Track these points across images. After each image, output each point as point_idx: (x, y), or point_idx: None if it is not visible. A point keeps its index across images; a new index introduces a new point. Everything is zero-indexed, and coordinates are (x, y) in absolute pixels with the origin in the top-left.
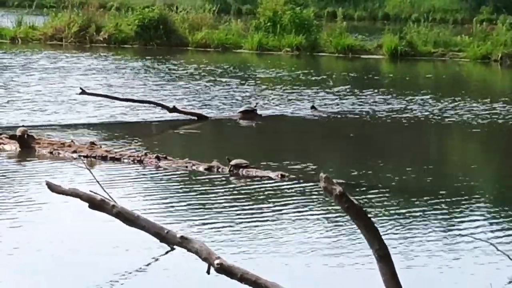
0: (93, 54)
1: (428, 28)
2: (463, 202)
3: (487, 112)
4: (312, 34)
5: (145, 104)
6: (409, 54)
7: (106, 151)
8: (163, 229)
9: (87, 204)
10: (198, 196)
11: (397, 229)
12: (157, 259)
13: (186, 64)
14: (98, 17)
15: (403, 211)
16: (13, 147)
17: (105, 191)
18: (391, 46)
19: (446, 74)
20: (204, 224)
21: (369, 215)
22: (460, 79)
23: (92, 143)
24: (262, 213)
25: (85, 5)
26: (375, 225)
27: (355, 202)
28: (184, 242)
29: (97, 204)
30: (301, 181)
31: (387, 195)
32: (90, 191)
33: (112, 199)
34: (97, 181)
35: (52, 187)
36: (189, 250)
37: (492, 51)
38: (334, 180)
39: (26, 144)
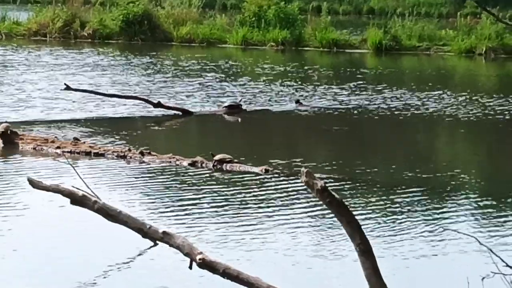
0: (77, 50)
1: (412, 22)
2: (448, 196)
3: (472, 105)
4: (296, 29)
5: (129, 100)
6: (393, 48)
7: (90, 146)
8: (145, 224)
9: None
10: (181, 191)
11: (380, 223)
12: (139, 255)
13: (170, 59)
14: (83, 13)
15: (387, 205)
16: None
17: (87, 186)
18: (375, 40)
19: (430, 68)
20: (187, 219)
21: (351, 210)
22: (444, 73)
23: (76, 139)
24: (246, 207)
25: (69, 0)
26: (357, 219)
27: (337, 196)
28: (166, 238)
29: (78, 200)
30: (286, 175)
31: (371, 189)
32: (73, 186)
33: (95, 194)
34: (80, 177)
35: (34, 183)
36: (171, 245)
37: (476, 45)
38: (318, 175)
39: (9, 140)
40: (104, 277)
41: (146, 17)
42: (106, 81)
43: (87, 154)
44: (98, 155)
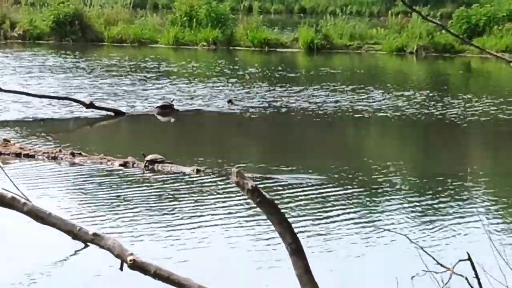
0: (7, 50)
1: (344, 21)
2: (379, 194)
3: (403, 103)
4: (228, 28)
5: (61, 100)
6: (325, 47)
7: (20, 148)
8: (75, 226)
9: None
10: (112, 192)
11: (312, 223)
12: (69, 257)
13: (102, 60)
14: (13, 13)
15: (319, 204)
16: None
17: (17, 188)
18: (307, 39)
19: (362, 66)
20: (119, 220)
21: (282, 209)
22: (376, 72)
23: (6, 140)
24: (177, 208)
25: None
26: (288, 219)
27: (267, 196)
28: (96, 239)
29: (7, 202)
30: (217, 175)
31: (302, 189)
32: (2, 188)
33: (24, 196)
34: (10, 178)
35: None
36: (101, 247)
37: (407, 43)
38: (249, 175)
39: None
40: (32, 281)
41: (77, 17)
42: (36, 82)
43: (17, 155)
44: (28, 156)
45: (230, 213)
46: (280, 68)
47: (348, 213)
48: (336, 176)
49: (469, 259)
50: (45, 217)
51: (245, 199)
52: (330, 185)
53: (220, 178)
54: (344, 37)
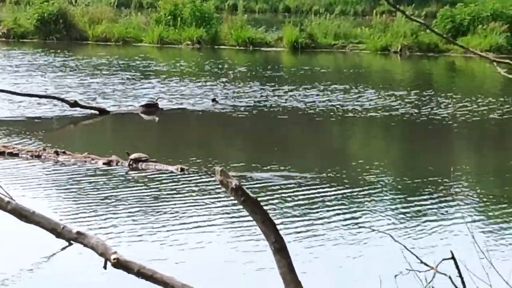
0: None
1: (328, 20)
2: (363, 193)
3: (387, 103)
4: (213, 27)
5: (45, 99)
6: (309, 46)
7: (4, 146)
8: (58, 224)
9: None
10: (96, 190)
11: (296, 222)
12: (53, 256)
13: (86, 58)
14: None
15: (303, 203)
16: None
17: (1, 187)
18: (291, 38)
19: (346, 65)
20: (102, 219)
21: (266, 208)
22: (360, 71)
23: None
24: (161, 206)
25: None
26: (271, 218)
27: (251, 195)
28: (80, 238)
29: None
30: (201, 174)
31: (286, 188)
32: None
33: (8, 195)
34: None
35: None
36: (85, 245)
37: (391, 42)
38: (234, 173)
39: None
40: (15, 280)
41: (61, 16)
42: (21, 81)
43: (1, 154)
44: (12, 155)
45: (213, 211)
46: (264, 67)
47: (333, 212)
48: (320, 175)
49: (453, 258)
50: (29, 215)
51: (230, 198)
52: (314, 185)
53: (204, 177)
54: (328, 36)
